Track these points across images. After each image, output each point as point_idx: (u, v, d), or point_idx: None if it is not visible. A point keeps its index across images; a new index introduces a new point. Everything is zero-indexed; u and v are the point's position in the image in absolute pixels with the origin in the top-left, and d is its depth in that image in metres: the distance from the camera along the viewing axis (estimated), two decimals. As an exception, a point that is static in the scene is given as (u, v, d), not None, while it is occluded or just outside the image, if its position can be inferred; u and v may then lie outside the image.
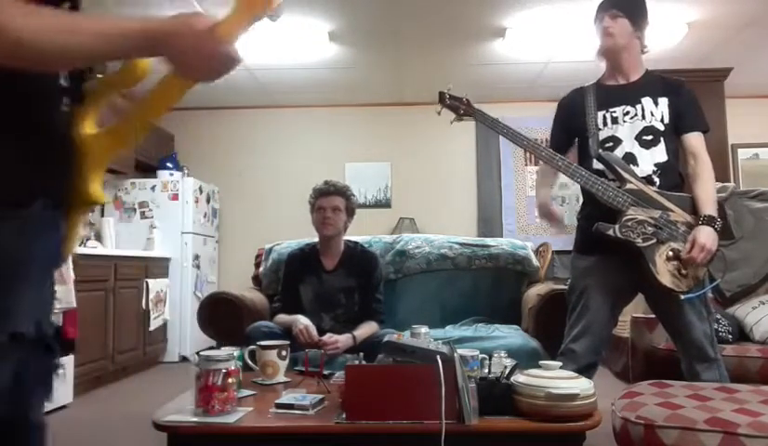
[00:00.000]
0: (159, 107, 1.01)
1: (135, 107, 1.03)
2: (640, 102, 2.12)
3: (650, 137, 2.10)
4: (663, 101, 2.11)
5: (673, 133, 2.11)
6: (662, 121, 2.10)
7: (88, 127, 1.01)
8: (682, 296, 1.95)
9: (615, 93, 2.16)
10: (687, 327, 2.03)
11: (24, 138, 0.89)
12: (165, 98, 0.99)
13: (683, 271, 1.95)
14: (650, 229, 1.99)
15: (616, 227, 2.00)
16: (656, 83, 2.16)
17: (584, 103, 2.19)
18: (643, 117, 2.10)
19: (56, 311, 3.12)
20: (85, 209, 1.03)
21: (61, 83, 0.96)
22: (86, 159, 0.98)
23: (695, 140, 2.10)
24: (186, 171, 5.53)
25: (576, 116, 2.21)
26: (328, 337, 2.42)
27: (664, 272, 1.97)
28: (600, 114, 2.15)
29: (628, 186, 2.03)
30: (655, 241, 1.98)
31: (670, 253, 1.97)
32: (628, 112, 2.12)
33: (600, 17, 2.16)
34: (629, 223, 2.00)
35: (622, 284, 2.12)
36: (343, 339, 2.44)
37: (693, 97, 2.15)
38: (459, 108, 2.25)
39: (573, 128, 2.24)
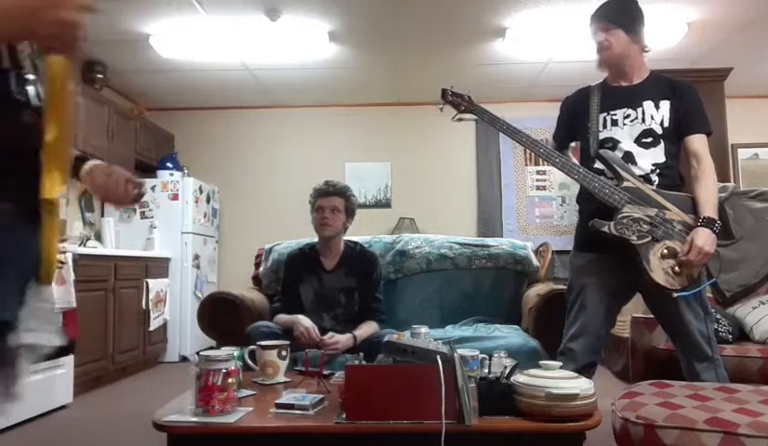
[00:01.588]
0: (59, 99, 1.06)
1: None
2: (641, 105, 2.11)
3: (649, 140, 2.10)
4: (665, 104, 2.11)
5: (673, 136, 2.11)
6: (662, 124, 2.10)
7: (50, 134, 1.06)
8: (675, 294, 1.96)
9: (618, 95, 2.16)
10: (684, 326, 2.03)
11: None
12: (56, 87, 1.05)
13: (677, 270, 1.96)
14: (645, 226, 1.99)
15: (612, 224, 2.01)
16: (661, 84, 2.15)
17: (588, 103, 2.20)
18: (643, 120, 2.10)
19: (55, 311, 3.12)
20: (47, 209, 1.08)
21: (18, 97, 1.04)
22: (46, 163, 1.06)
23: (697, 143, 2.09)
24: (186, 171, 5.54)
25: (578, 116, 2.22)
26: (329, 337, 2.42)
27: (657, 270, 1.97)
28: (601, 117, 2.16)
29: (626, 184, 2.04)
30: (650, 238, 1.99)
31: (665, 251, 1.97)
32: (628, 115, 2.12)
33: (593, 30, 2.16)
34: (625, 220, 2.00)
35: (619, 284, 2.12)
36: (344, 339, 2.44)
37: (697, 99, 2.13)
38: (461, 104, 2.26)
39: (574, 127, 2.25)
